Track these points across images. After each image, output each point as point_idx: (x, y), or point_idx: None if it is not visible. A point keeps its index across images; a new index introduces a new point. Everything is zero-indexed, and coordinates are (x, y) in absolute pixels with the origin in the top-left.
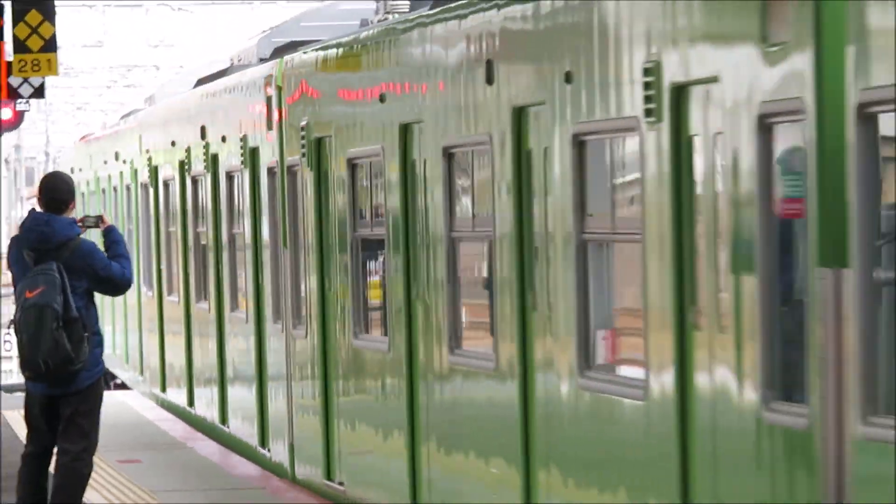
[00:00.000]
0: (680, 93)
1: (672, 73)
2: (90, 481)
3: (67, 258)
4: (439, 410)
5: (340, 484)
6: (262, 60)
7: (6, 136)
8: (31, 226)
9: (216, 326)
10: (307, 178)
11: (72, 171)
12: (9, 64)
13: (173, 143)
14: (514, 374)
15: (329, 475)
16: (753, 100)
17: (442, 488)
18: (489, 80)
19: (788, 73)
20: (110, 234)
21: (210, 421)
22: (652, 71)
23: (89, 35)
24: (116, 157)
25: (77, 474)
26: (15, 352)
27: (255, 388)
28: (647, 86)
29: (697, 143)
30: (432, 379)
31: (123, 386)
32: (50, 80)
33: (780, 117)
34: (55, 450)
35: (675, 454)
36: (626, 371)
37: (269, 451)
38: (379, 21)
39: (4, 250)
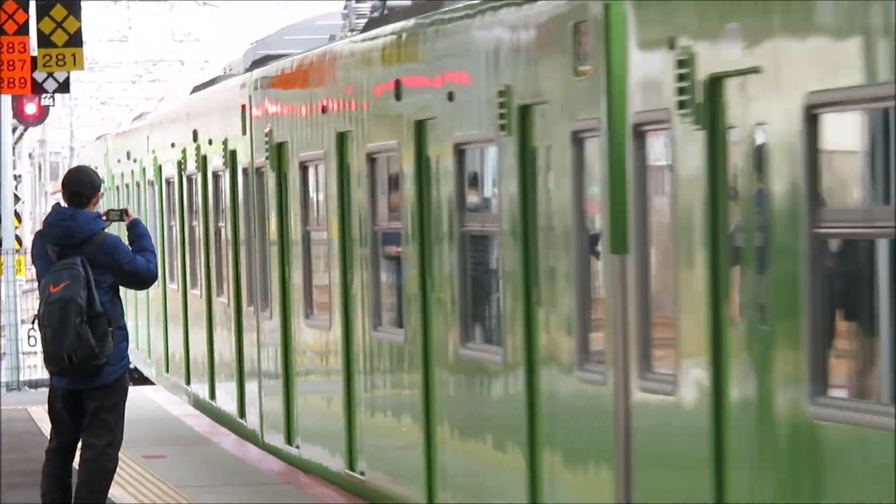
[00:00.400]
0: (524, 112)
1: (519, 97)
2: (115, 476)
3: (92, 253)
4: (362, 376)
5: (297, 447)
6: (248, 70)
7: (30, 130)
8: (54, 220)
9: (206, 311)
10: (270, 177)
11: None
12: (34, 59)
13: (173, 145)
14: (417, 344)
15: (289, 440)
16: (566, 120)
17: (370, 445)
18: (398, 97)
19: (590, 98)
20: (135, 228)
21: (203, 397)
22: (505, 94)
23: (114, 30)
24: (128, 156)
25: (102, 469)
26: (39, 347)
27: (235, 366)
28: (500, 105)
29: (538, 152)
30: (357, 353)
31: (142, 380)
32: (74, 75)
33: (586, 133)
34: (79, 445)
35: (524, 400)
36: (490, 341)
37: (245, 420)
38: (340, 38)
39: (29, 245)
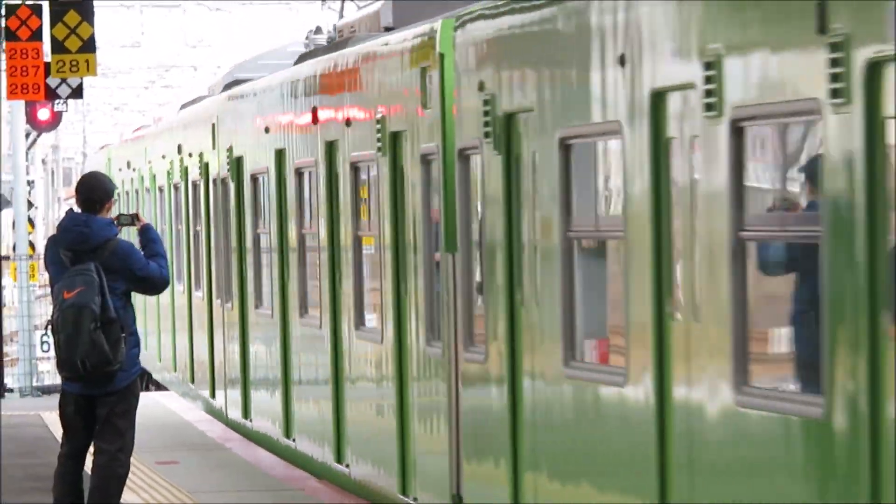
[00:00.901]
0: (395, 138)
1: (390, 125)
2: (127, 482)
3: (106, 258)
4: (302, 359)
5: (250, 420)
6: (223, 91)
7: (43, 136)
8: (68, 225)
9: (187, 304)
10: (231, 187)
11: None
12: (47, 64)
13: (163, 157)
14: (326, 328)
15: (246, 415)
16: (418, 144)
17: (301, 416)
18: (314, 121)
19: (432, 127)
20: (147, 233)
21: (184, 380)
22: (380, 122)
23: (127, 35)
24: (128, 165)
25: (114, 474)
26: (52, 353)
27: (207, 350)
28: (378, 131)
29: (405, 170)
30: (293, 338)
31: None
32: (87, 81)
33: (430, 156)
34: (90, 450)
35: (394, 371)
36: (370, 320)
37: (214, 399)
38: (296, 64)
39: (42, 251)
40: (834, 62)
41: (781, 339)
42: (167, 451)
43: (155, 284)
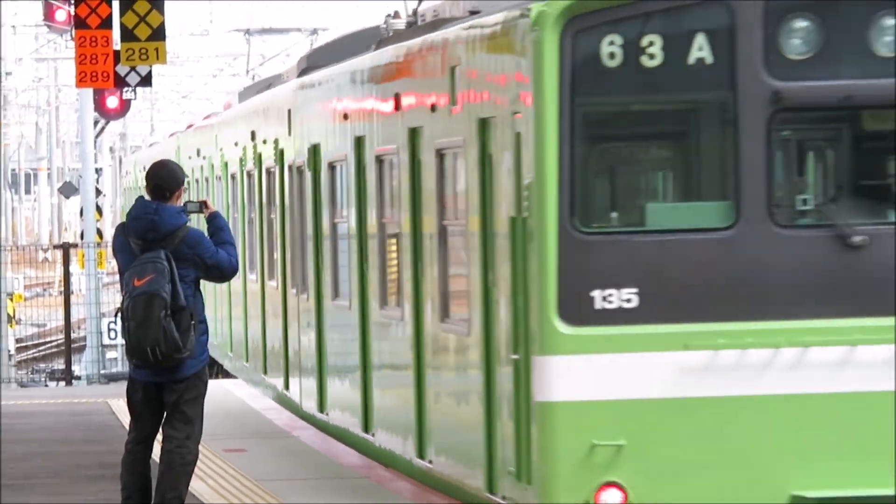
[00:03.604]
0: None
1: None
2: (195, 470)
3: (176, 247)
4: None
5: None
6: (298, 77)
7: (111, 124)
8: (138, 213)
9: (260, 297)
10: (307, 175)
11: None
12: (116, 52)
13: (236, 143)
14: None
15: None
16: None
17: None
18: (397, 108)
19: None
20: (215, 221)
21: (280, 389)
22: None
23: (195, 23)
24: (198, 153)
25: (181, 461)
26: (119, 340)
27: (282, 343)
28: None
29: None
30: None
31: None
32: (155, 69)
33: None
34: (158, 437)
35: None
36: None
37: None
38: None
39: (110, 239)
40: None
41: None
42: (235, 439)
43: (224, 272)
